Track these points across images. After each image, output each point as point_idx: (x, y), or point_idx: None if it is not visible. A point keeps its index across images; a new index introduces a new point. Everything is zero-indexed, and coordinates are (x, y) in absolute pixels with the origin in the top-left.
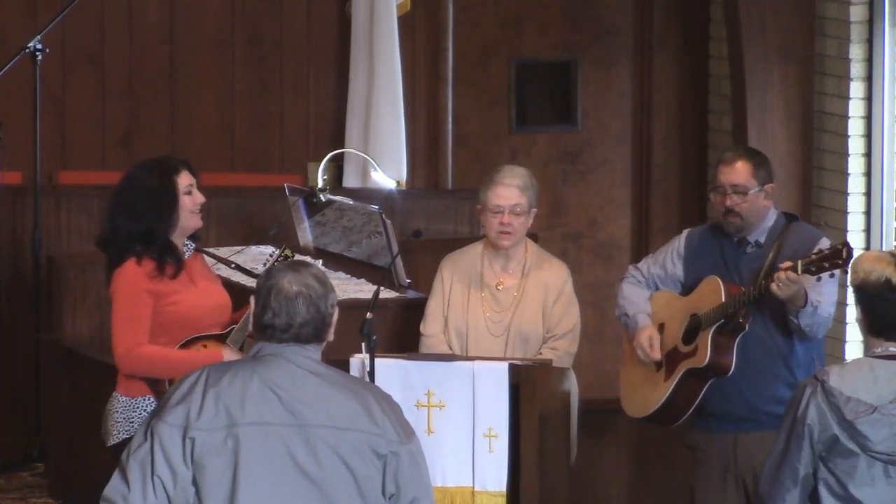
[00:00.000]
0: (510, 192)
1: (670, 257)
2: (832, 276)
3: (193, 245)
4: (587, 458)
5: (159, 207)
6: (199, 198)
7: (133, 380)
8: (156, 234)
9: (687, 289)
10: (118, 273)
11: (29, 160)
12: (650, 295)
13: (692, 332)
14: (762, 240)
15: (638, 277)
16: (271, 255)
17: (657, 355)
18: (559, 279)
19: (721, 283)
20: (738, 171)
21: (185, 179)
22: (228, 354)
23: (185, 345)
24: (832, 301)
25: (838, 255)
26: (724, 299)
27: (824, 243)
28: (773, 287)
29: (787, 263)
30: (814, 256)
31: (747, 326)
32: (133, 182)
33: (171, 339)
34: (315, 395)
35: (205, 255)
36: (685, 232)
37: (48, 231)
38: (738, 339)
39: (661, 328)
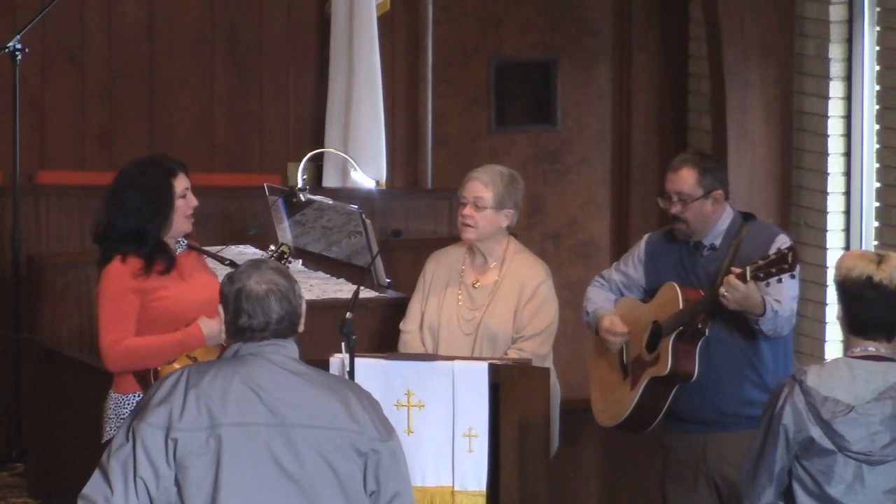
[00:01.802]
0: (474, 185)
1: (632, 263)
2: (780, 280)
3: (185, 242)
4: (566, 457)
5: (154, 209)
6: (194, 201)
7: (124, 377)
8: (147, 234)
9: (649, 293)
10: (104, 272)
11: (8, 160)
12: (615, 299)
13: (655, 339)
14: (717, 243)
15: (601, 282)
16: (271, 255)
17: (623, 328)
18: (535, 279)
19: (678, 289)
20: (682, 179)
21: (181, 182)
22: (206, 325)
23: (180, 330)
24: (792, 296)
25: (784, 260)
26: (681, 306)
27: (781, 240)
28: (722, 293)
29: (737, 270)
30: (761, 262)
31: (707, 332)
32: (129, 180)
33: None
34: (296, 394)
35: (200, 252)
36: (645, 237)
37: (28, 231)
38: (699, 345)
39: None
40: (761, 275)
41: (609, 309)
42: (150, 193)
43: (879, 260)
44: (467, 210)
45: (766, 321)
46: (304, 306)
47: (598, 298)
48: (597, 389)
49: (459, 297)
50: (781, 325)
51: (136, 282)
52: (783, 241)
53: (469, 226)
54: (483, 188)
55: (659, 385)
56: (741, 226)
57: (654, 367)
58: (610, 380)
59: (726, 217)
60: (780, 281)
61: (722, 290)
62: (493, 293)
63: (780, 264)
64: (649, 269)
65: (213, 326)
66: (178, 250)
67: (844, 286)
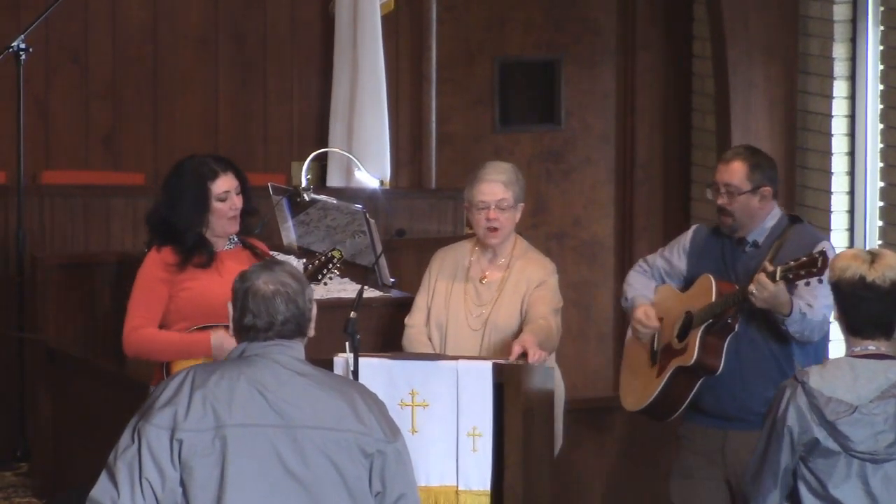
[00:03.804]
0: (494, 187)
1: (676, 251)
2: (807, 283)
3: (237, 238)
4: (570, 456)
5: (189, 209)
6: (236, 204)
7: (157, 370)
8: (181, 232)
9: (689, 284)
10: (144, 259)
11: (12, 159)
12: (655, 286)
13: (686, 328)
14: (760, 240)
15: (645, 268)
16: (319, 257)
17: (654, 324)
18: (542, 271)
19: (713, 281)
20: (733, 171)
21: (221, 185)
22: (217, 336)
23: (194, 332)
24: (827, 304)
25: (814, 264)
26: (714, 298)
27: (822, 247)
28: (751, 290)
29: (769, 267)
30: (792, 263)
31: (737, 327)
32: (173, 177)
33: (191, 326)
34: (302, 395)
35: (253, 251)
36: (694, 227)
37: (32, 230)
38: (727, 340)
39: (659, 322)
40: (790, 276)
41: (648, 297)
42: (184, 195)
43: (872, 259)
44: (493, 213)
45: (793, 322)
46: (314, 310)
47: (638, 284)
48: (626, 373)
49: (466, 293)
50: (811, 328)
51: (166, 272)
52: (825, 247)
53: (496, 229)
54: (503, 189)
55: (684, 375)
56: (786, 227)
57: (680, 357)
58: (639, 365)
59: (773, 216)
60: (807, 284)
61: (751, 287)
62: (500, 289)
63: (809, 267)
64: (692, 260)
65: (225, 341)
66: (229, 246)
67: (839, 287)
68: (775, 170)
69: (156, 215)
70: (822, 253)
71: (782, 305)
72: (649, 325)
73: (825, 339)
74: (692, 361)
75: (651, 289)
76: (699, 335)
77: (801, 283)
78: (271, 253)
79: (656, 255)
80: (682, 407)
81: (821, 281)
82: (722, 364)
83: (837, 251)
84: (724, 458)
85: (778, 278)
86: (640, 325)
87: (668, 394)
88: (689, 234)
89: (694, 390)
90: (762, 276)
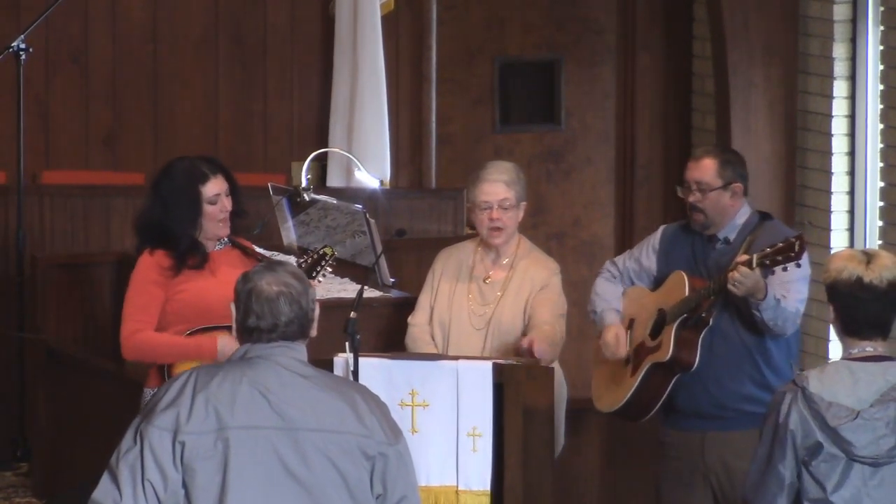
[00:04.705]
0: (496, 187)
1: (646, 251)
2: (785, 269)
3: (227, 240)
4: (570, 455)
5: (180, 213)
6: (226, 206)
7: (153, 371)
8: (175, 235)
9: (659, 283)
10: (137, 263)
11: (12, 160)
12: (624, 290)
13: (659, 326)
14: (732, 237)
15: (613, 272)
16: (311, 255)
17: (622, 352)
18: (546, 271)
19: (686, 277)
20: (703, 169)
21: (212, 188)
22: (223, 340)
23: (193, 334)
24: (800, 298)
25: (791, 248)
26: (687, 293)
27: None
28: (730, 285)
29: (744, 257)
30: (768, 250)
31: (711, 321)
32: (163, 179)
33: (189, 328)
34: (304, 397)
35: (243, 250)
36: (661, 227)
37: (32, 230)
38: (702, 335)
39: (630, 323)
40: (767, 262)
41: (616, 309)
42: (177, 198)
43: (868, 259)
44: (496, 213)
45: (767, 308)
46: (316, 311)
47: (607, 294)
48: (598, 375)
49: (470, 292)
50: (784, 318)
51: (161, 275)
52: (801, 233)
53: (500, 229)
54: (506, 189)
55: (659, 372)
56: (757, 223)
57: (655, 354)
58: (611, 366)
59: (743, 213)
60: (785, 269)
61: (729, 284)
62: (503, 289)
63: (787, 252)
64: (662, 258)
65: (230, 344)
66: (218, 247)
67: (835, 288)
68: (745, 167)
69: (147, 218)
70: (800, 237)
71: (759, 291)
72: (618, 352)
73: (797, 333)
74: (668, 357)
75: (619, 297)
76: (674, 331)
77: (778, 269)
78: (270, 253)
79: (624, 256)
80: (657, 406)
81: (799, 265)
82: (697, 360)
83: (835, 251)
84: (704, 459)
85: (755, 265)
86: (608, 350)
87: (643, 392)
88: (658, 233)
89: (668, 388)
90: (742, 268)
